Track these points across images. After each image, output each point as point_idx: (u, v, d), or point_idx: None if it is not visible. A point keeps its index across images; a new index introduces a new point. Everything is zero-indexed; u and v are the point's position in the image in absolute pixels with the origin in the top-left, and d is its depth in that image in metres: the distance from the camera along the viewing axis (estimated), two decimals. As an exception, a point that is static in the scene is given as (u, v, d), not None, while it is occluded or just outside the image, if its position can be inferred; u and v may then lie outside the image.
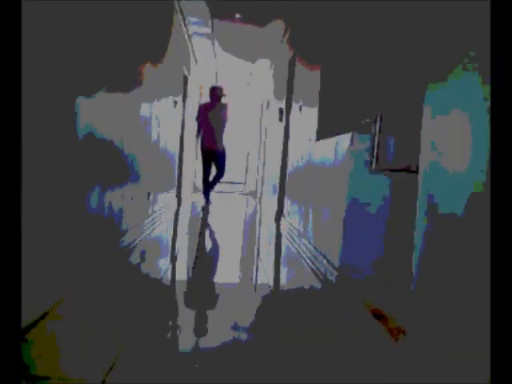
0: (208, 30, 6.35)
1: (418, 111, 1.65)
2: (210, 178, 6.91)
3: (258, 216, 6.60)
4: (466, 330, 1.28)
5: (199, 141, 6.91)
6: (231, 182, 10.24)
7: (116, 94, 2.85)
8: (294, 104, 5.33)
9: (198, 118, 6.82)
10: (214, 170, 6.97)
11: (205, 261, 3.48)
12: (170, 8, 4.87)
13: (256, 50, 7.18)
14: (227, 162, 6.94)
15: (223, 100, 6.86)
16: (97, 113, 2.48)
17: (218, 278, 2.93)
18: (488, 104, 1.18)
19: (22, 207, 1.37)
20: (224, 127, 6.76)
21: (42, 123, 1.80)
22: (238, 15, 5.60)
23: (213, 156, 6.74)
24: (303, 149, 4.29)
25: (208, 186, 6.89)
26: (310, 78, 4.20)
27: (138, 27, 3.33)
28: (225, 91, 6.91)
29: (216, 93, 6.75)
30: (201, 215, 6.02)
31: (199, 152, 7.04)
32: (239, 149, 10.46)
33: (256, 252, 3.95)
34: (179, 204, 6.78)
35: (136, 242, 3.52)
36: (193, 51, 7.57)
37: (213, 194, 6.52)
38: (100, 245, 2.69)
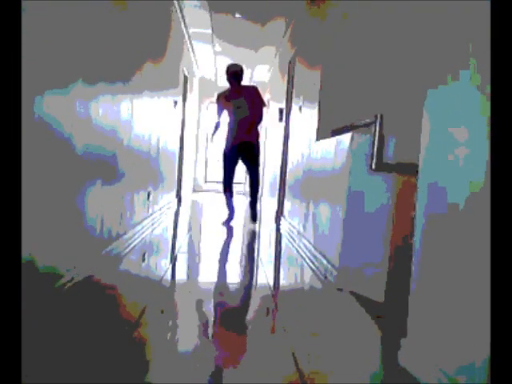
0: (208, 30, 6.35)
1: (418, 111, 1.65)
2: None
3: (257, 216, 6.58)
4: (466, 330, 1.27)
5: (216, 138, 5.47)
6: None
7: (115, 93, 2.84)
8: (293, 104, 5.33)
9: (218, 112, 5.25)
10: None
11: (205, 260, 3.48)
12: (169, 8, 4.87)
13: (256, 49, 7.18)
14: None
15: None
16: (95, 112, 2.48)
17: (218, 278, 2.93)
18: (488, 105, 1.18)
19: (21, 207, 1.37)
20: (260, 114, 5.04)
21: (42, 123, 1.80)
22: (238, 15, 5.60)
23: (244, 150, 5.09)
24: (303, 149, 4.29)
25: (231, 191, 5.25)
26: (310, 78, 4.20)
27: (137, 27, 3.33)
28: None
29: (235, 73, 5.02)
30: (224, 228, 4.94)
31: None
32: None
33: (256, 252, 3.95)
34: (179, 204, 6.78)
35: (136, 242, 3.52)
36: (193, 51, 7.58)
37: (214, 195, 6.35)
38: (99, 245, 2.69)
